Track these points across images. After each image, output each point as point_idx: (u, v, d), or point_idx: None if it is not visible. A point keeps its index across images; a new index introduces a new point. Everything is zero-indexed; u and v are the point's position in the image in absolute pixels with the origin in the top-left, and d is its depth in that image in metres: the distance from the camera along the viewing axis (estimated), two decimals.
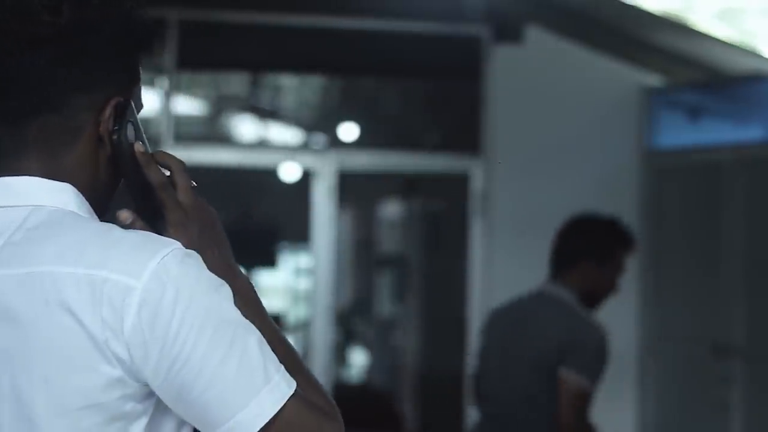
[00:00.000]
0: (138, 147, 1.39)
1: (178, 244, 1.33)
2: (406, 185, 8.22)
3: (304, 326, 7.52)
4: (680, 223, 6.78)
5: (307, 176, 6.80)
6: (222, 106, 7.44)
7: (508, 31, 6.52)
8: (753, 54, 6.50)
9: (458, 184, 6.77)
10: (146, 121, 6.81)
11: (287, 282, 8.71)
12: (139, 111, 1.45)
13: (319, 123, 7.43)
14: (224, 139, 7.32)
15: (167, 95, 6.47)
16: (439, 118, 7.25)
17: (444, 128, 7.20)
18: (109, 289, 1.28)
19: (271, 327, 1.39)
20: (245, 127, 7.46)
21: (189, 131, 6.87)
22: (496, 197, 6.68)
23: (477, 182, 6.70)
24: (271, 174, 7.54)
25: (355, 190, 7.79)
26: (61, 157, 1.38)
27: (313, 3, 6.56)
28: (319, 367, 6.60)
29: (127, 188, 1.42)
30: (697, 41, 6.50)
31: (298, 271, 8.47)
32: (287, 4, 6.55)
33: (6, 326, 1.31)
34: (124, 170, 1.41)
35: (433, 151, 6.99)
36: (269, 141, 7.28)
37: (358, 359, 9.21)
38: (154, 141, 6.44)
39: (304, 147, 7.13)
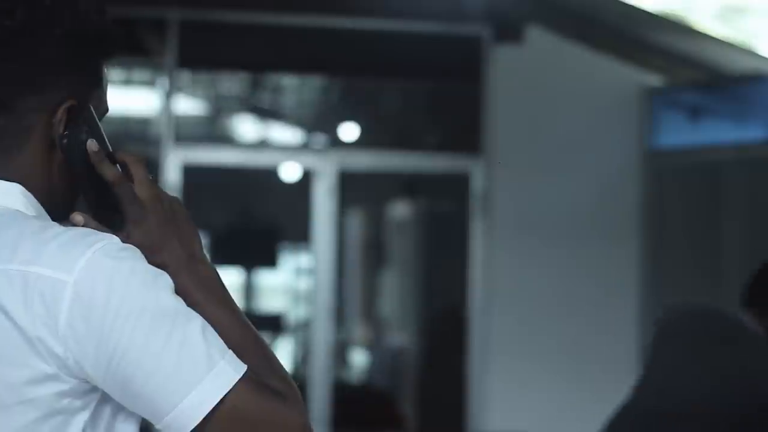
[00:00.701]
0: (90, 146, 1.38)
1: (114, 238, 1.33)
2: (406, 186, 8.23)
3: (305, 326, 7.52)
4: (681, 223, 6.78)
5: (307, 176, 6.80)
6: (222, 106, 7.44)
7: (508, 31, 6.52)
8: (753, 54, 6.51)
9: (458, 184, 6.78)
10: (146, 121, 6.85)
11: (287, 282, 8.71)
12: (101, 114, 1.44)
13: (319, 123, 7.44)
14: (224, 139, 7.32)
15: (167, 95, 6.47)
16: (439, 118, 7.26)
17: (444, 128, 7.20)
18: (41, 285, 1.28)
19: (232, 311, 1.38)
20: (245, 127, 7.46)
21: (189, 131, 6.87)
22: (496, 197, 6.68)
23: (477, 182, 6.70)
24: (271, 174, 7.54)
25: (354, 190, 7.79)
26: (12, 158, 1.38)
27: (313, 3, 6.56)
28: (319, 367, 6.61)
29: (83, 190, 1.42)
30: (697, 41, 6.51)
31: (298, 271, 8.46)
32: (287, 4, 6.55)
33: None
34: (78, 172, 1.40)
35: (434, 151, 6.99)
36: (269, 141, 7.29)
37: (359, 359, 9.21)
38: (155, 141, 6.45)
39: (305, 147, 7.14)
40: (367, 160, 6.89)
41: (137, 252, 1.33)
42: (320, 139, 7.29)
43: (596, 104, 6.86)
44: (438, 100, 7.27)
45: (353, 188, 7.31)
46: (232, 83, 7.37)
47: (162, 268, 1.36)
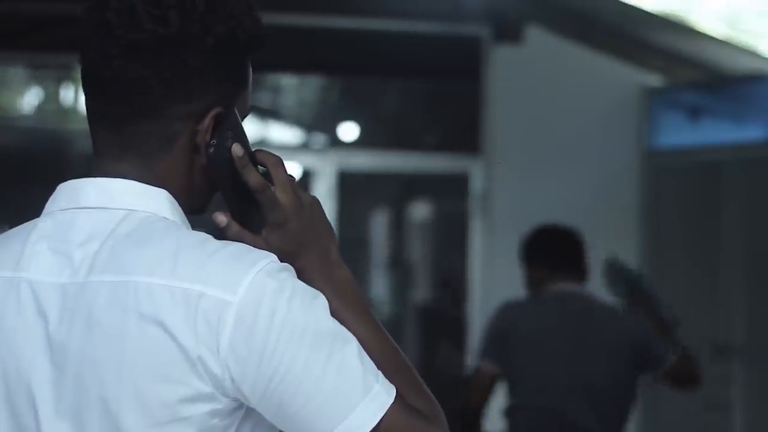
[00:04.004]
0: (235, 151, 1.39)
1: (272, 257, 1.31)
2: (405, 185, 8.23)
3: None
4: (680, 223, 6.79)
5: (307, 176, 6.80)
6: None
7: (508, 31, 6.52)
8: (753, 54, 6.51)
9: (458, 184, 6.78)
10: None
11: None
12: (245, 115, 1.44)
13: (319, 123, 7.43)
14: None
15: None
16: (439, 118, 7.26)
17: (444, 128, 7.21)
18: (204, 304, 1.26)
19: (371, 323, 1.38)
20: (245, 127, 7.45)
21: None
22: (496, 197, 6.68)
23: (477, 182, 6.70)
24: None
25: (354, 190, 7.80)
26: (155, 163, 1.37)
27: (313, 3, 6.56)
28: None
29: (224, 194, 1.41)
30: (697, 41, 6.51)
31: None
32: (287, 4, 6.55)
33: (95, 334, 1.29)
34: (220, 179, 1.40)
35: (433, 151, 7.00)
36: (269, 141, 7.29)
37: None
38: None
39: (304, 147, 7.14)
40: (367, 160, 6.89)
41: (293, 272, 1.33)
42: (320, 139, 7.29)
43: (596, 104, 6.86)
44: (437, 100, 7.27)
45: (351, 188, 7.31)
46: None
47: (299, 273, 1.35)
